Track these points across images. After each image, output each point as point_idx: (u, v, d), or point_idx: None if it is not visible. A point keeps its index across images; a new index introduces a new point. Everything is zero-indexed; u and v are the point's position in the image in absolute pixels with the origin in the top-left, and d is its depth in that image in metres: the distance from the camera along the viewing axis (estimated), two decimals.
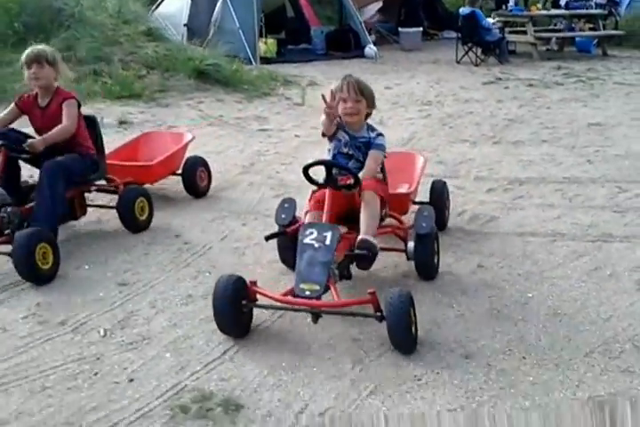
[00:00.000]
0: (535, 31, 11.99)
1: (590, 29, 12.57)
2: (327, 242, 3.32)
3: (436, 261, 3.77)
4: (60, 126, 4.12)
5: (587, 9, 12.73)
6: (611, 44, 12.57)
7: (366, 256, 3.42)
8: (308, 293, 3.18)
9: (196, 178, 4.98)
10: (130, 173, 4.62)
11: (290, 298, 3.22)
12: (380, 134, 3.79)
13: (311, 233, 3.37)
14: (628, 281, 3.57)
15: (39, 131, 4.21)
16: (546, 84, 9.54)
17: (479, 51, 11.41)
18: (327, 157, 3.78)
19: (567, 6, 12.87)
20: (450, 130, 7.06)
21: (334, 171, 3.49)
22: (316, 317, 3.18)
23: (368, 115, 3.81)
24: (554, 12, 12.76)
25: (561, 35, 12.65)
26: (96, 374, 2.78)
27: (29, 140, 4.03)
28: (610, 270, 3.71)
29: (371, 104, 3.77)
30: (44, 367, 2.81)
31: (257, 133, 6.83)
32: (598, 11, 12.58)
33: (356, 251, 3.42)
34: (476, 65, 11.25)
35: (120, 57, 8.57)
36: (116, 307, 3.36)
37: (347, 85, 3.68)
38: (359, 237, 3.44)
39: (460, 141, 6.59)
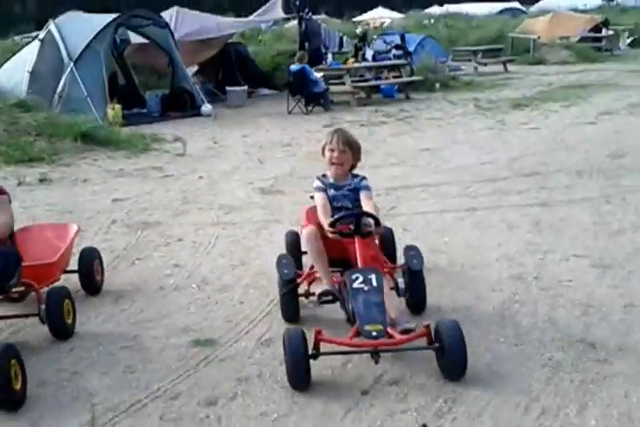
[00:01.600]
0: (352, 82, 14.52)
1: (394, 77, 15.34)
2: (374, 284, 3.67)
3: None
4: None
5: (389, 60, 15.54)
6: (410, 88, 15.35)
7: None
8: (374, 333, 3.47)
9: (93, 273, 4.72)
10: (27, 274, 4.06)
11: (358, 341, 3.55)
12: (364, 178, 4.30)
13: (357, 278, 3.71)
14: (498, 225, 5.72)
15: None
16: (374, 124, 11.88)
17: (304, 102, 13.62)
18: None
19: (374, 59, 15.60)
20: (318, 161, 9.01)
21: (339, 220, 3.95)
22: (378, 356, 3.48)
23: (353, 166, 4.28)
24: (364, 64, 15.43)
25: (373, 83, 15.27)
26: None
27: None
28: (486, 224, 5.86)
29: (356, 156, 4.25)
30: None
31: (166, 179, 8.38)
32: (400, 61, 15.42)
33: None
34: (307, 114, 13.43)
35: (4, 128, 9.74)
36: None
37: (335, 137, 4.18)
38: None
39: None
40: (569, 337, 3.85)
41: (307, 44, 16.15)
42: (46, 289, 4.18)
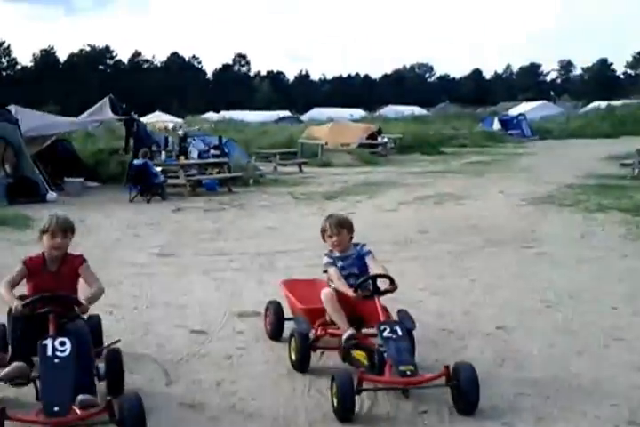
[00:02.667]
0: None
1: (217, 173, 17.89)
2: (400, 333, 4.55)
3: None
4: (96, 289, 4.60)
5: (209, 157, 18.13)
6: (230, 183, 17.88)
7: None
8: (408, 372, 4.33)
9: None
10: None
11: (394, 378, 4.40)
12: (364, 244, 5.17)
13: (385, 329, 4.56)
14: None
15: (44, 291, 4.41)
16: (215, 209, 14.23)
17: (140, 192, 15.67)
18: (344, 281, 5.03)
19: (199, 156, 18.08)
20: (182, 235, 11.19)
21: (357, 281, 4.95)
22: (408, 392, 4.44)
23: (351, 238, 5.17)
24: (194, 161, 17.85)
25: (205, 177, 17.65)
26: None
27: (82, 306, 4.42)
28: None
29: (349, 231, 5.13)
30: None
31: None
32: (223, 159, 18.06)
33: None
34: (148, 202, 15.45)
35: None
36: None
37: (328, 224, 5.09)
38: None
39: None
40: None
41: (132, 142, 18.30)
42: None
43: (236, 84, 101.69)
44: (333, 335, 5.14)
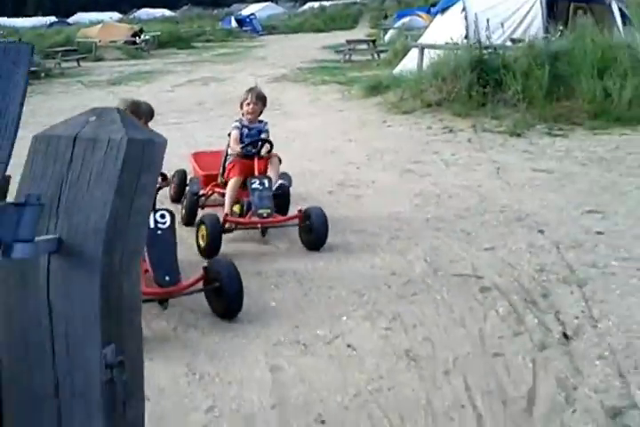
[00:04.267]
0: None
1: None
2: (266, 185, 4.49)
3: None
4: None
5: None
6: None
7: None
8: (265, 214, 4.36)
9: None
10: None
11: (254, 219, 4.39)
12: (267, 123, 4.98)
13: (254, 182, 4.49)
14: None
15: None
16: None
17: None
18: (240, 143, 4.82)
19: None
20: None
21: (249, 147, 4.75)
22: (266, 231, 4.48)
23: (261, 112, 4.99)
24: None
25: None
26: None
27: None
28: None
29: (263, 105, 4.96)
30: None
31: None
32: None
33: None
34: None
35: None
36: None
37: (250, 95, 4.90)
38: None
39: None
40: None
41: None
42: None
43: None
44: (220, 194, 5.06)
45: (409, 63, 12.71)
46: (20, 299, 1.13)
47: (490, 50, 10.26)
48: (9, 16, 46.79)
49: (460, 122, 9.33)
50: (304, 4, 61.90)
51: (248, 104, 4.91)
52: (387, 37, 24.23)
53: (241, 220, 4.55)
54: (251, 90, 5.02)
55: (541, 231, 5.01)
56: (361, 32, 32.94)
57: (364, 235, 4.91)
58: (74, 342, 1.11)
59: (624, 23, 11.84)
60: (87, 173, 1.13)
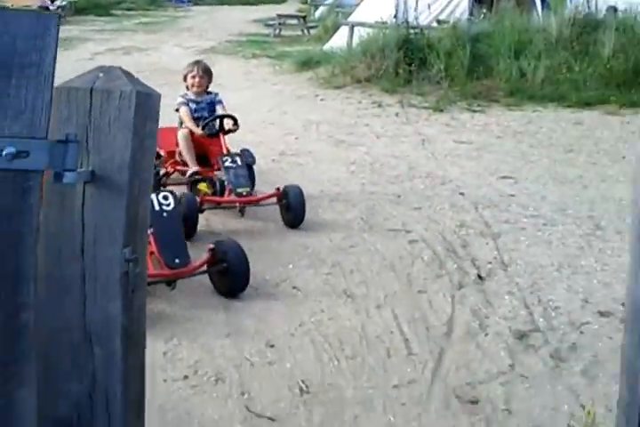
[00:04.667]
0: None
1: None
2: (239, 163, 4.47)
3: None
4: None
5: None
6: None
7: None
8: (244, 193, 4.36)
9: None
10: None
11: (232, 198, 4.34)
12: (217, 93, 4.92)
13: (227, 160, 4.47)
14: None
15: None
16: None
17: None
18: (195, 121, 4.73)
19: None
20: None
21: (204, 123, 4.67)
22: (244, 209, 4.38)
23: (207, 86, 4.91)
24: None
25: None
26: None
27: None
28: None
29: (209, 80, 4.90)
30: None
31: None
32: None
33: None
34: None
35: None
36: None
37: (196, 67, 4.83)
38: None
39: None
40: None
41: None
42: None
43: None
44: (181, 172, 4.98)
45: (339, 40, 13.12)
46: (57, 217, 1.42)
47: (416, 30, 10.81)
48: None
49: (387, 97, 9.88)
50: None
51: (194, 77, 4.84)
52: (317, 13, 24.48)
53: (219, 199, 4.48)
54: (196, 63, 5.02)
55: (462, 194, 5.61)
56: (291, 7, 32.96)
57: (308, 198, 5.35)
58: (100, 245, 1.42)
59: (543, 8, 12.64)
60: (106, 118, 1.37)
